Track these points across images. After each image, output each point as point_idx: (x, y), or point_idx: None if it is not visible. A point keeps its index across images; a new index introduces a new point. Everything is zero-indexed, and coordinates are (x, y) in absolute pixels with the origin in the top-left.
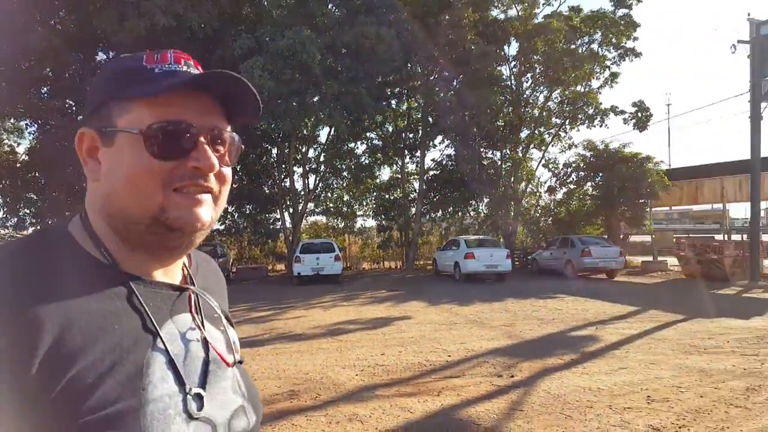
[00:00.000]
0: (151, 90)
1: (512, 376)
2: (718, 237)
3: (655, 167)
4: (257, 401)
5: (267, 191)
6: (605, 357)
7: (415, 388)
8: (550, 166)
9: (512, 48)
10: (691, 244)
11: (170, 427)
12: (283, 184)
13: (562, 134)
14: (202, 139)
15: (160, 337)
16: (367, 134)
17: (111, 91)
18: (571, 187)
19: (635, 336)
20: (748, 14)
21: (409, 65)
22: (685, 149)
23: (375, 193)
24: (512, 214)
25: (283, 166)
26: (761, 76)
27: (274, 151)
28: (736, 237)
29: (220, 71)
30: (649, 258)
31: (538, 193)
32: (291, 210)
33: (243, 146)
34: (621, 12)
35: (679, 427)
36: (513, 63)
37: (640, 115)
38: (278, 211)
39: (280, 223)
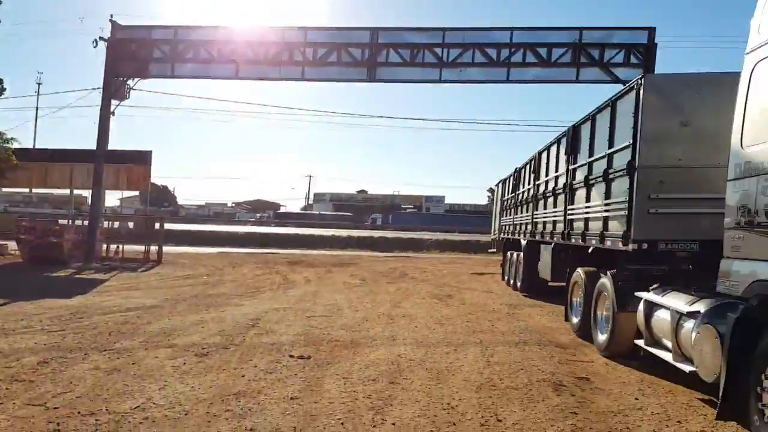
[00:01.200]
0: None
1: None
2: (63, 221)
3: (3, 143)
4: None
5: None
6: None
7: None
8: None
9: None
10: (32, 227)
11: None
12: None
13: None
14: None
15: None
16: None
17: None
18: None
19: None
20: (111, 16)
21: None
22: (62, 131)
23: None
24: None
25: None
26: (113, 75)
27: None
28: (79, 222)
29: None
30: None
31: None
32: None
33: None
34: None
35: None
36: None
37: None
38: None
39: None
